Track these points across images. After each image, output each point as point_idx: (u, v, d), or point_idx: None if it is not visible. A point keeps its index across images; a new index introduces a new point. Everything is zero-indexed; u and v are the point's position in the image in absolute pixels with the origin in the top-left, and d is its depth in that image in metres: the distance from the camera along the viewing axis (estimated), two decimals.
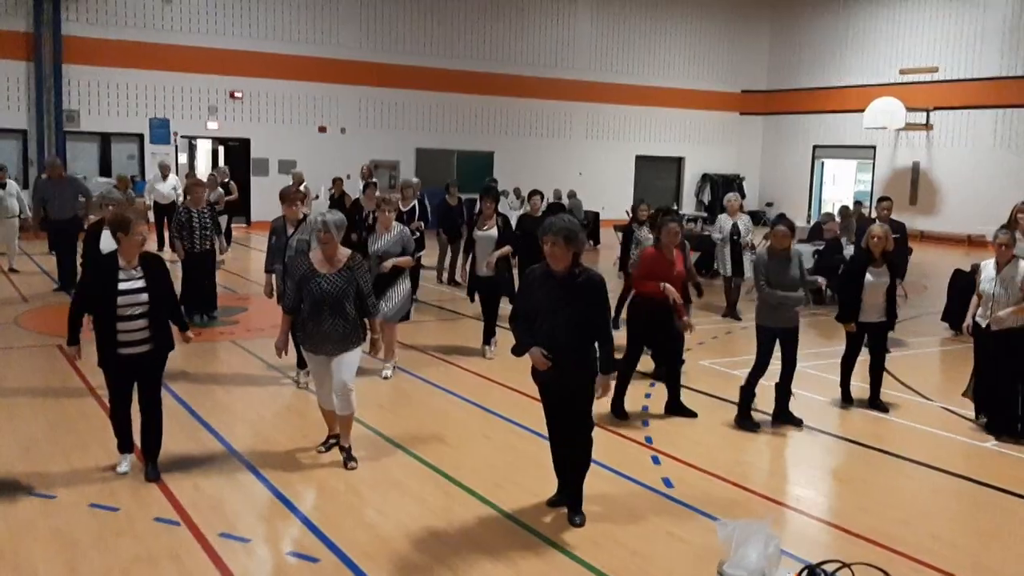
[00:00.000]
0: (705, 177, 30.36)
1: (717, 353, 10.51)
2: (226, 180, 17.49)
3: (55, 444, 6.73)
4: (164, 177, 17.34)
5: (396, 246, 8.68)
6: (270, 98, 23.39)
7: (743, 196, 24.99)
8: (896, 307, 8.38)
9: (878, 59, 27.16)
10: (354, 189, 17.83)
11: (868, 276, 8.11)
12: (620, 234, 16.62)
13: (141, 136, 22.16)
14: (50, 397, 7.94)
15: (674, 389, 8.00)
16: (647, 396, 8.48)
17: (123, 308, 5.82)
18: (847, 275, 8.40)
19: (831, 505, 6.26)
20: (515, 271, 9.92)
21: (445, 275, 15.29)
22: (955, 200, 25.31)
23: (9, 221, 14.65)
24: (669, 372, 8.05)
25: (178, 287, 7.92)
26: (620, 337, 7.36)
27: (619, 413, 7.76)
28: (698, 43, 29.76)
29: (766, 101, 30.47)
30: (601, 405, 6.26)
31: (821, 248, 14.23)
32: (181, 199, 15.16)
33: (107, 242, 7.99)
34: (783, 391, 7.75)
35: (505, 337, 6.83)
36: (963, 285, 10.98)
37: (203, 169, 23.54)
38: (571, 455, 5.60)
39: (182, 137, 22.70)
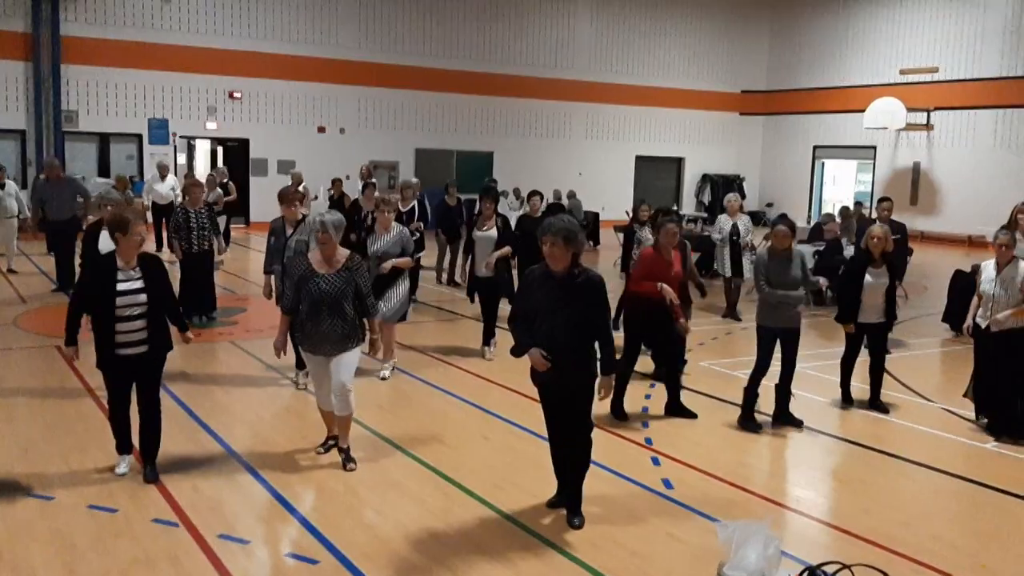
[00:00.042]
0: (705, 177, 30.35)
1: (717, 354, 10.50)
2: (225, 181, 17.49)
3: (53, 445, 6.71)
4: (162, 177, 17.33)
5: (395, 247, 8.67)
6: (269, 98, 23.38)
7: (743, 196, 25.04)
8: (896, 308, 8.37)
9: (878, 59, 27.16)
10: (353, 190, 17.82)
11: (868, 277, 8.10)
12: (620, 235, 16.63)
13: (140, 136, 22.15)
14: (48, 398, 7.92)
15: (674, 390, 7.99)
16: (647, 397, 8.47)
17: (122, 309, 5.81)
18: (847, 276, 8.39)
19: (831, 506, 6.25)
20: (514, 272, 9.93)
21: (444, 276, 15.28)
22: (955, 200, 25.31)
23: (8, 222, 14.64)
24: (669, 373, 8.04)
25: (176, 288, 7.89)
26: (620, 338, 7.34)
27: (619, 414, 7.75)
28: (698, 43, 29.76)
29: (766, 101, 30.47)
30: (601, 406, 6.25)
31: (821, 249, 14.22)
32: (179, 199, 15.15)
33: (105, 242, 7.97)
34: (783, 392, 7.74)
35: (504, 338, 6.82)
36: (963, 286, 10.97)
37: (202, 169, 23.54)
38: (570, 456, 5.59)
39: (181, 137, 22.69)
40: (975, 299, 7.86)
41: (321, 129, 24.15)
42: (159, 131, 22.26)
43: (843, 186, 29.33)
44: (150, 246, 14.17)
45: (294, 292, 6.28)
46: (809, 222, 22.89)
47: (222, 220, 15.56)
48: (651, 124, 29.35)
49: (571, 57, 27.60)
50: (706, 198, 30.03)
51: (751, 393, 7.68)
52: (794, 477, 6.95)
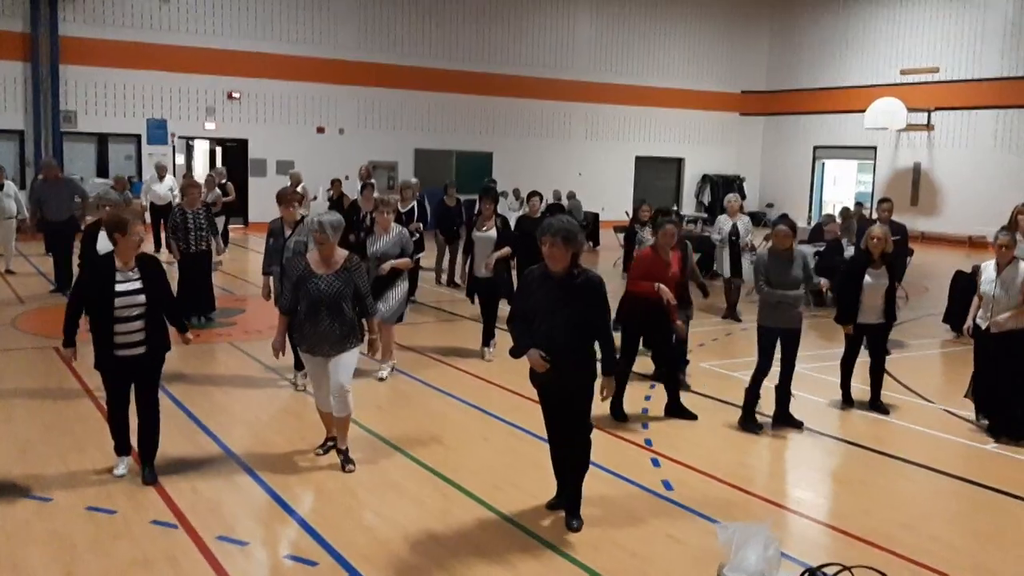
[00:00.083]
0: (705, 178, 30.35)
1: (717, 355, 10.48)
2: (223, 181, 17.47)
3: (52, 446, 6.70)
4: (161, 178, 17.31)
5: (395, 247, 8.66)
6: (268, 99, 23.37)
7: (743, 197, 25.04)
8: (895, 309, 8.36)
9: (878, 59, 27.15)
10: (353, 190, 17.80)
11: (867, 278, 8.09)
12: (621, 235, 16.64)
13: (138, 137, 22.14)
14: (47, 399, 7.91)
15: (674, 391, 7.97)
16: (647, 398, 8.45)
17: (120, 310, 5.80)
18: (846, 276, 8.38)
19: (831, 507, 6.24)
20: (514, 272, 9.92)
21: (444, 276, 15.26)
22: (956, 201, 25.29)
23: (7, 222, 14.63)
24: (668, 374, 8.02)
25: (174, 289, 7.86)
26: (618, 339, 7.33)
27: (618, 415, 7.74)
28: (698, 44, 29.75)
29: (766, 102, 30.46)
30: (600, 407, 6.25)
31: (822, 249, 14.21)
32: (178, 200, 15.13)
33: (104, 243, 7.95)
34: (783, 393, 7.73)
35: (504, 339, 6.81)
36: (964, 286, 10.96)
37: (200, 170, 23.53)
38: (570, 457, 5.57)
39: (179, 138, 22.67)
40: (975, 300, 7.85)
41: (320, 129, 24.14)
42: (158, 131, 22.24)
43: (843, 186, 29.32)
44: (148, 247, 14.15)
45: (292, 293, 6.27)
46: (809, 223, 22.89)
47: (220, 221, 15.54)
48: (651, 124, 29.34)
49: (571, 57, 27.59)
50: (706, 198, 30.02)
51: (752, 394, 7.67)
52: (794, 478, 6.94)
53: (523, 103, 26.81)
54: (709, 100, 30.01)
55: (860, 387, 8.54)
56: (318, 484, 6.17)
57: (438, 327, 11.83)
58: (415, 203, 12.91)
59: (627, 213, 21.35)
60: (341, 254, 6.29)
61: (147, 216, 16.49)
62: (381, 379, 8.78)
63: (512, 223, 11.08)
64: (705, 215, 26.71)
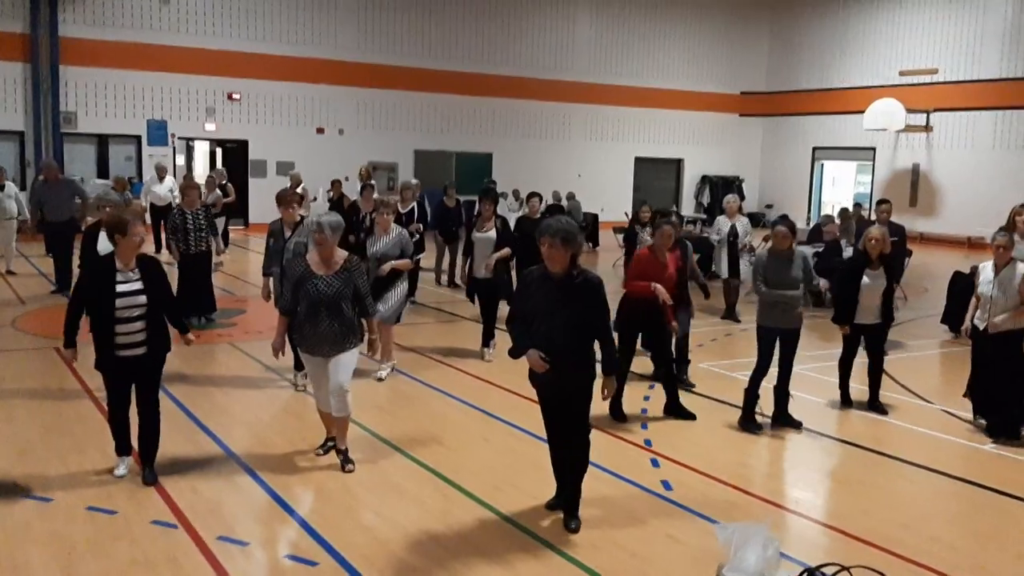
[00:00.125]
0: (704, 179, 30.36)
1: (716, 355, 10.49)
2: (223, 182, 17.48)
3: (52, 447, 6.71)
4: (161, 179, 17.33)
5: (395, 248, 8.67)
6: (268, 100, 23.38)
7: (742, 198, 25.02)
8: (893, 309, 8.37)
9: (878, 60, 27.17)
10: (353, 191, 17.82)
11: (865, 278, 8.11)
12: (620, 236, 16.63)
13: (139, 138, 22.15)
14: (47, 400, 7.91)
15: (672, 390, 7.98)
16: (646, 399, 8.46)
17: (121, 310, 5.81)
18: (844, 277, 8.39)
19: (830, 508, 6.25)
20: (513, 273, 9.93)
21: (444, 277, 15.27)
22: (955, 202, 25.31)
23: (7, 223, 14.64)
24: (667, 373, 8.03)
25: (174, 289, 7.87)
26: (617, 339, 7.35)
27: (617, 415, 7.75)
28: (697, 45, 29.77)
29: (766, 103, 30.48)
30: (600, 407, 6.26)
31: (820, 250, 14.22)
32: (177, 201, 15.14)
33: (104, 244, 7.97)
34: (781, 393, 7.74)
35: (504, 340, 6.82)
36: (963, 287, 10.97)
37: (201, 171, 23.53)
38: (568, 457, 5.58)
39: (180, 139, 22.68)
40: (973, 300, 7.86)
41: (320, 130, 24.15)
42: (158, 132, 22.25)
43: (842, 187, 29.33)
44: (149, 248, 14.15)
45: (292, 293, 6.28)
46: (808, 224, 22.89)
47: (221, 222, 15.55)
48: (650, 125, 29.35)
49: (571, 58, 27.61)
50: (705, 199, 30.03)
51: (751, 394, 7.68)
52: (793, 478, 6.95)
53: (523, 104, 26.82)
54: (709, 101, 30.03)
55: (859, 387, 8.55)
56: (318, 484, 6.18)
57: (438, 328, 11.84)
58: (415, 204, 12.92)
59: (626, 214, 21.37)
60: (341, 255, 6.30)
61: (147, 217, 16.53)
62: (380, 379, 8.79)
63: (512, 224, 11.10)
64: (704, 216, 26.74)
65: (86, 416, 7.43)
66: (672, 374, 8.03)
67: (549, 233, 5.19)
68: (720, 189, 28.35)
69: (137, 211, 10.77)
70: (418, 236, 12.17)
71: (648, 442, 7.24)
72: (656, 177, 29.68)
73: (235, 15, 22.77)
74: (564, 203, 20.80)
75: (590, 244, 21.33)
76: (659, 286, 7.63)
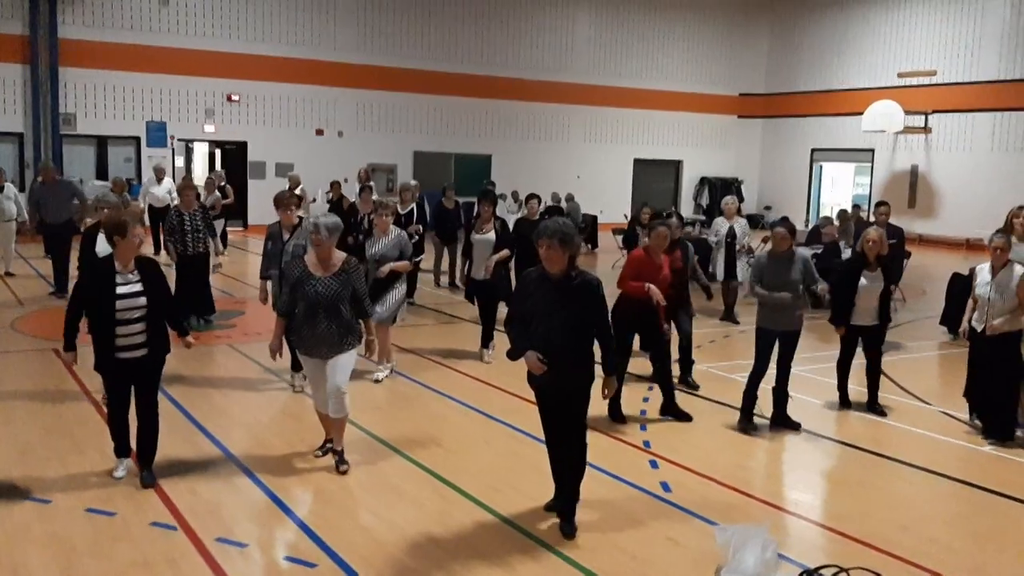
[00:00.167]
0: (703, 180, 30.37)
1: (715, 357, 10.50)
2: (222, 184, 17.48)
3: (51, 448, 6.71)
4: (160, 180, 17.32)
5: (394, 250, 8.67)
6: (267, 101, 23.39)
7: (741, 200, 25.02)
8: (890, 311, 8.38)
9: (876, 62, 27.18)
10: (352, 192, 17.81)
11: (862, 280, 8.12)
12: (620, 237, 16.66)
13: (138, 139, 22.16)
14: (46, 401, 7.91)
15: (668, 391, 7.98)
16: (645, 400, 8.46)
17: (121, 312, 5.80)
18: (841, 278, 8.40)
19: (829, 509, 6.25)
20: (512, 274, 9.93)
21: (444, 279, 15.27)
22: (953, 203, 25.31)
23: (6, 225, 14.62)
24: (663, 373, 8.02)
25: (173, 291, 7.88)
26: None
27: (616, 416, 7.75)
28: (697, 46, 29.79)
29: (765, 104, 30.50)
30: (599, 408, 6.26)
31: (819, 252, 14.23)
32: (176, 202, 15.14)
33: (103, 245, 7.97)
34: (780, 395, 7.75)
35: (503, 341, 6.82)
36: (961, 289, 10.95)
37: (200, 172, 23.54)
38: (566, 459, 5.58)
39: (179, 140, 22.69)
40: (970, 302, 7.87)
41: (319, 132, 24.15)
42: (157, 134, 22.26)
43: (841, 189, 29.36)
44: (148, 249, 14.13)
45: (290, 295, 6.29)
46: (807, 225, 22.91)
47: (220, 223, 15.54)
48: (650, 127, 29.37)
49: (570, 60, 27.62)
50: (704, 201, 30.05)
51: (750, 396, 7.69)
52: (792, 480, 6.95)
53: (522, 105, 26.84)
54: (708, 103, 30.04)
55: (857, 389, 8.56)
56: (317, 486, 6.18)
57: (437, 329, 11.84)
58: (414, 205, 12.92)
59: (626, 216, 21.39)
60: (339, 256, 6.31)
61: (146, 218, 16.53)
62: (377, 381, 8.79)
63: (511, 225, 11.10)
64: (703, 218, 26.75)
65: (85, 418, 7.43)
66: (668, 373, 8.02)
67: (547, 234, 5.20)
68: (719, 191, 28.38)
69: (136, 213, 10.78)
70: (417, 237, 12.17)
71: (647, 444, 7.25)
72: (655, 179, 29.69)
73: (234, 16, 22.79)
74: (563, 205, 20.81)
75: (588, 245, 21.33)
76: (652, 287, 7.63)
